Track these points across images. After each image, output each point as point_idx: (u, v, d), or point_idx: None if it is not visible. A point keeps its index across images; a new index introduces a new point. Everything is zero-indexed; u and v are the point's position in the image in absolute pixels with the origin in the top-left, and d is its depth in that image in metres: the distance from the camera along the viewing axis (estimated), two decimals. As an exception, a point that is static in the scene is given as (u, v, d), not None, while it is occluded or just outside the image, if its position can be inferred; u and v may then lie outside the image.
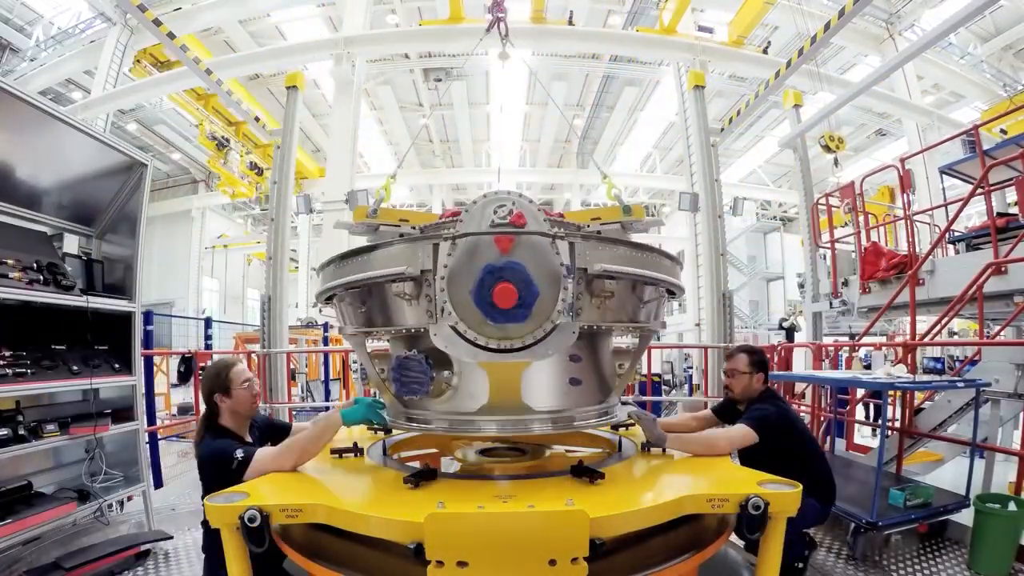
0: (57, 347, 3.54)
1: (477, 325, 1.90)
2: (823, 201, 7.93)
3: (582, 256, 1.97)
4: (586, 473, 2.05)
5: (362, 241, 2.44)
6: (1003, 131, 13.66)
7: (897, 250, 7.07)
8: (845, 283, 6.89)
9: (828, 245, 7.53)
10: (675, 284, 2.34)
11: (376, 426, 2.60)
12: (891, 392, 4.07)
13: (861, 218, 7.03)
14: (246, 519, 1.70)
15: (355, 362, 4.97)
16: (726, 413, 3.16)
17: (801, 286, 7.43)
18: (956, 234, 6.48)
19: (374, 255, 2.08)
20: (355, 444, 2.57)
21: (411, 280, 1.97)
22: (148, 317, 5.32)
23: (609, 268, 1.99)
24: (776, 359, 6.40)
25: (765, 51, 11.77)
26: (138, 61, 12.62)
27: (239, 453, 2.28)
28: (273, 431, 2.82)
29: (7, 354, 3.19)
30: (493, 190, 2.00)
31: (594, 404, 2.36)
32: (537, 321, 1.90)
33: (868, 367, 8.61)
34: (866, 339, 6.83)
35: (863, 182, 7.43)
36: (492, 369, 2.06)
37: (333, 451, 2.57)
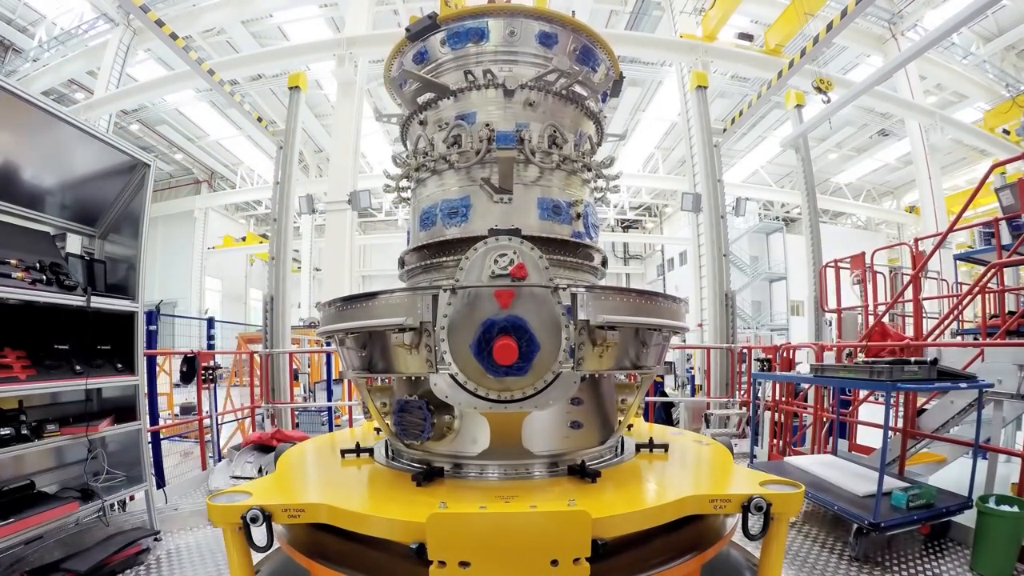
0: (60, 346, 3.55)
1: (477, 377, 1.90)
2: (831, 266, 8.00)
3: (584, 306, 1.94)
4: (587, 473, 2.05)
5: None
6: (1005, 131, 13.65)
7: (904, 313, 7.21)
8: (849, 355, 6.78)
9: (834, 310, 7.67)
10: (679, 327, 2.33)
11: None
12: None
13: (870, 291, 7.21)
14: (248, 519, 1.71)
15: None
16: None
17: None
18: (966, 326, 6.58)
19: (374, 303, 2.07)
20: (357, 444, 2.57)
21: (411, 330, 1.95)
22: (151, 317, 5.33)
23: (611, 319, 1.96)
24: (779, 359, 6.40)
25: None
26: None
27: None
28: None
29: (10, 353, 3.20)
30: (495, 236, 1.97)
31: (596, 444, 2.36)
32: (538, 373, 1.90)
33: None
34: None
35: (873, 255, 7.59)
36: (493, 417, 2.06)
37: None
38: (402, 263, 2.71)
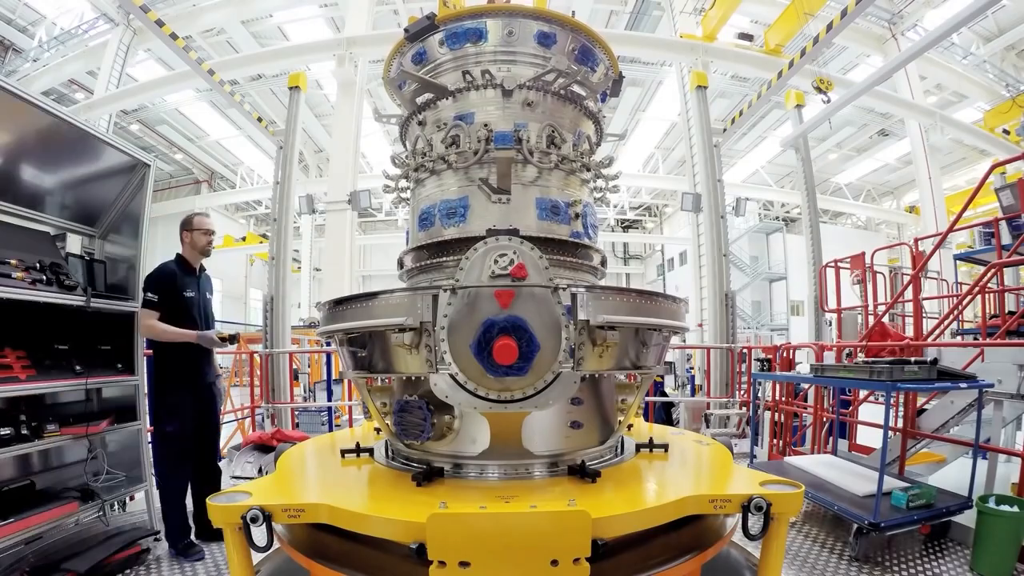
0: (60, 347, 3.55)
1: (477, 377, 1.89)
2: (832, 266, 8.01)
3: (584, 306, 1.94)
4: (587, 473, 2.05)
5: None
6: (1005, 131, 13.65)
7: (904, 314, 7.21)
8: (849, 355, 6.76)
9: (834, 310, 7.67)
10: (679, 327, 2.33)
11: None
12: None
13: (870, 291, 7.23)
14: (248, 519, 1.71)
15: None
16: None
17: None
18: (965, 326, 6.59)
19: (374, 303, 2.06)
20: (358, 444, 2.57)
21: (411, 330, 1.95)
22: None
23: (612, 319, 1.95)
24: (778, 359, 6.40)
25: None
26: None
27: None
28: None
29: (10, 353, 3.20)
30: (494, 236, 1.96)
31: (596, 444, 2.36)
32: (538, 373, 1.89)
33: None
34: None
35: (873, 255, 7.59)
36: (493, 417, 2.05)
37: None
38: (401, 263, 2.72)
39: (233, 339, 3.72)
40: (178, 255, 3.90)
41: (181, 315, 3.71)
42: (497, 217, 2.37)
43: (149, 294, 3.61)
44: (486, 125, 2.42)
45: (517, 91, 2.46)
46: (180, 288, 3.74)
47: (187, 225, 3.89)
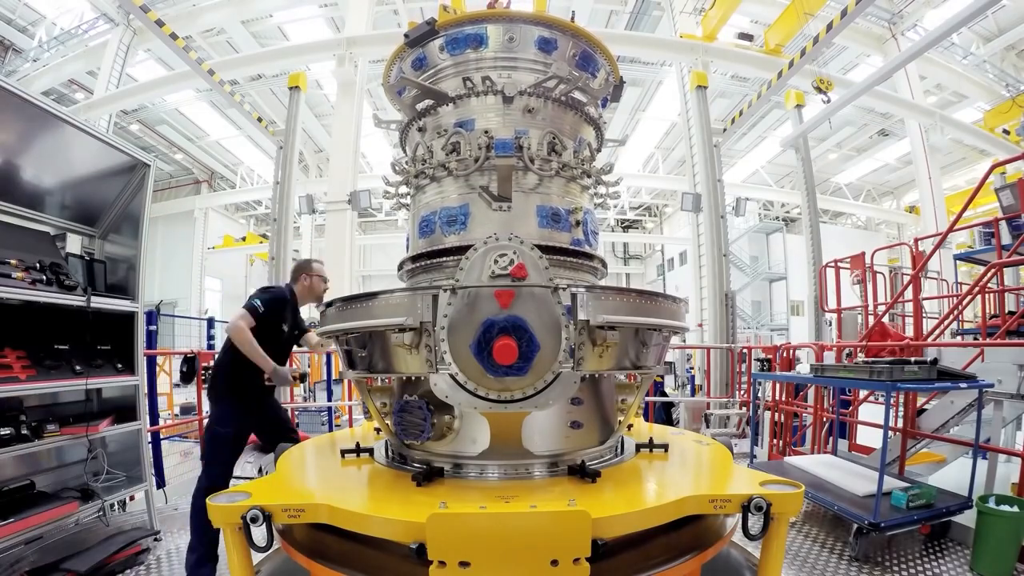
0: (60, 347, 3.55)
1: (477, 376, 1.90)
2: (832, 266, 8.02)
3: (584, 306, 1.94)
4: (587, 473, 2.05)
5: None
6: (1005, 131, 13.65)
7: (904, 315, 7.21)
8: (849, 355, 6.63)
9: (834, 310, 7.69)
10: (679, 327, 2.33)
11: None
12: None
13: (870, 291, 7.24)
14: (248, 519, 1.71)
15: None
16: None
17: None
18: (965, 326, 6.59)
19: (375, 303, 2.07)
20: (358, 444, 2.57)
21: (411, 330, 1.95)
22: (151, 317, 5.33)
23: (611, 319, 1.96)
24: (778, 359, 6.40)
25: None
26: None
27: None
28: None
29: (10, 353, 3.20)
30: (495, 236, 1.97)
31: (596, 444, 2.36)
32: (538, 373, 1.90)
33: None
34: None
35: (873, 255, 7.61)
36: (493, 417, 2.06)
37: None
38: (402, 267, 2.72)
39: (303, 378, 3.43)
40: (291, 289, 3.71)
41: (265, 343, 3.37)
42: (498, 224, 2.36)
43: (260, 304, 3.35)
44: (486, 132, 2.42)
45: (518, 97, 2.46)
46: (280, 319, 3.52)
47: (306, 269, 3.75)
